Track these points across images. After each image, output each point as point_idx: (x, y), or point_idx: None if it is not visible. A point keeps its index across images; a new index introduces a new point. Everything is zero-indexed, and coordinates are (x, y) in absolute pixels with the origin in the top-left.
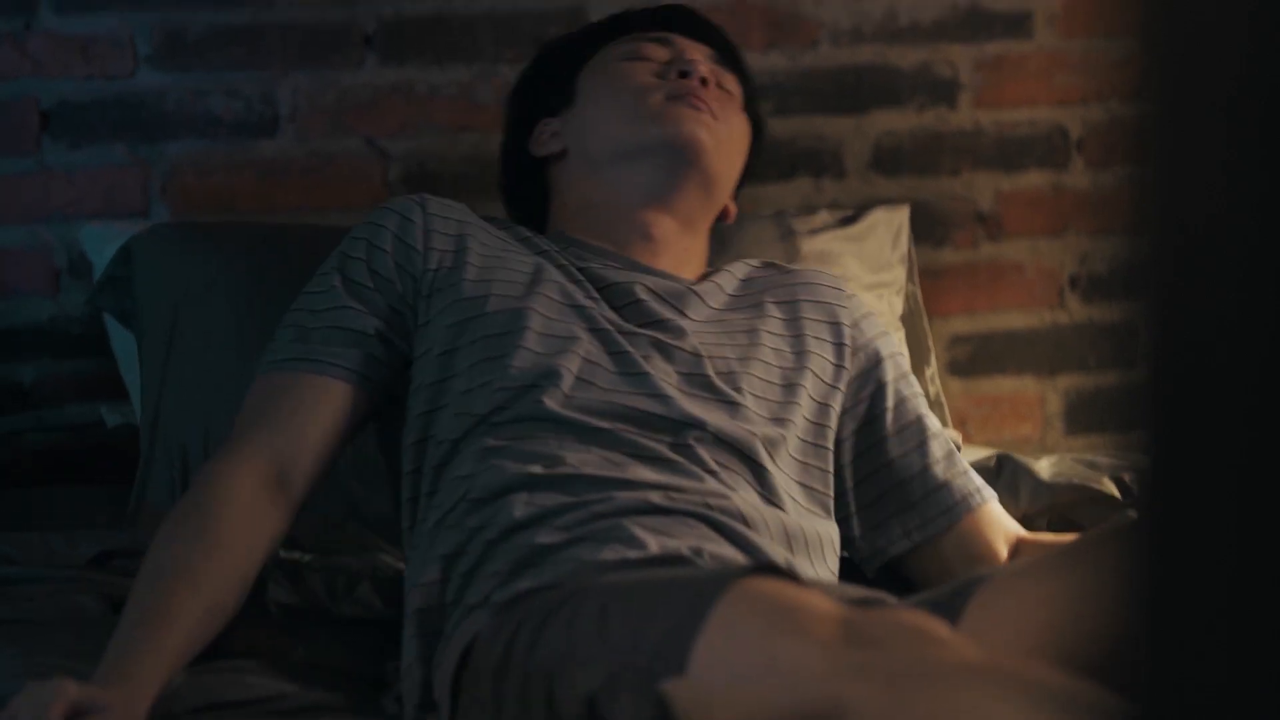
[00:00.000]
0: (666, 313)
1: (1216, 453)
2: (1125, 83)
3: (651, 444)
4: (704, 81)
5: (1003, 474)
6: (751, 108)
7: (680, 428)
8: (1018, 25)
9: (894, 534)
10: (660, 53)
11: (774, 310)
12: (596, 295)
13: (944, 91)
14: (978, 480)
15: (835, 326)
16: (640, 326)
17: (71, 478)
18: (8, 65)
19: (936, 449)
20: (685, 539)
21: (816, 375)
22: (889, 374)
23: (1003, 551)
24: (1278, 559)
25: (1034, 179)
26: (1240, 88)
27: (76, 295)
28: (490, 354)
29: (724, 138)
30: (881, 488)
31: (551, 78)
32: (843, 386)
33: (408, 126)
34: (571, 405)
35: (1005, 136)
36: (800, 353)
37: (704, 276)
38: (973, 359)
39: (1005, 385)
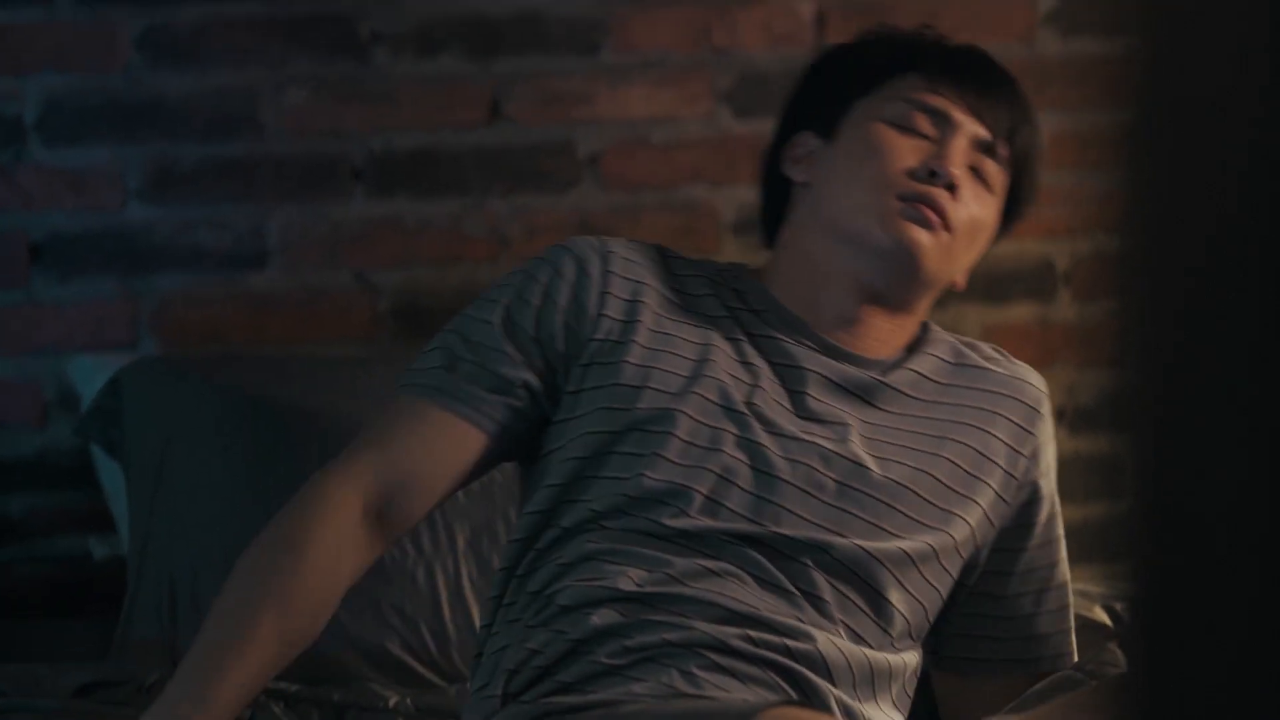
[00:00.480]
0: (841, 410)
1: (1205, 584)
2: (1111, 216)
3: (763, 566)
4: (952, 187)
5: None
6: (1020, 183)
7: (803, 549)
8: None
9: (976, 652)
10: (929, 128)
11: (969, 417)
12: (763, 385)
13: None
14: (1070, 644)
15: (1015, 455)
16: (805, 423)
17: (59, 610)
18: None
19: (1053, 600)
20: (744, 692)
21: (980, 506)
22: (1041, 515)
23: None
24: (1273, 691)
25: (1021, 311)
26: (1218, 232)
27: (65, 428)
28: (629, 451)
29: (954, 246)
30: (982, 610)
31: (831, 91)
32: (997, 522)
33: (398, 259)
34: (692, 526)
35: (992, 269)
36: (975, 479)
37: (903, 359)
38: None
39: None
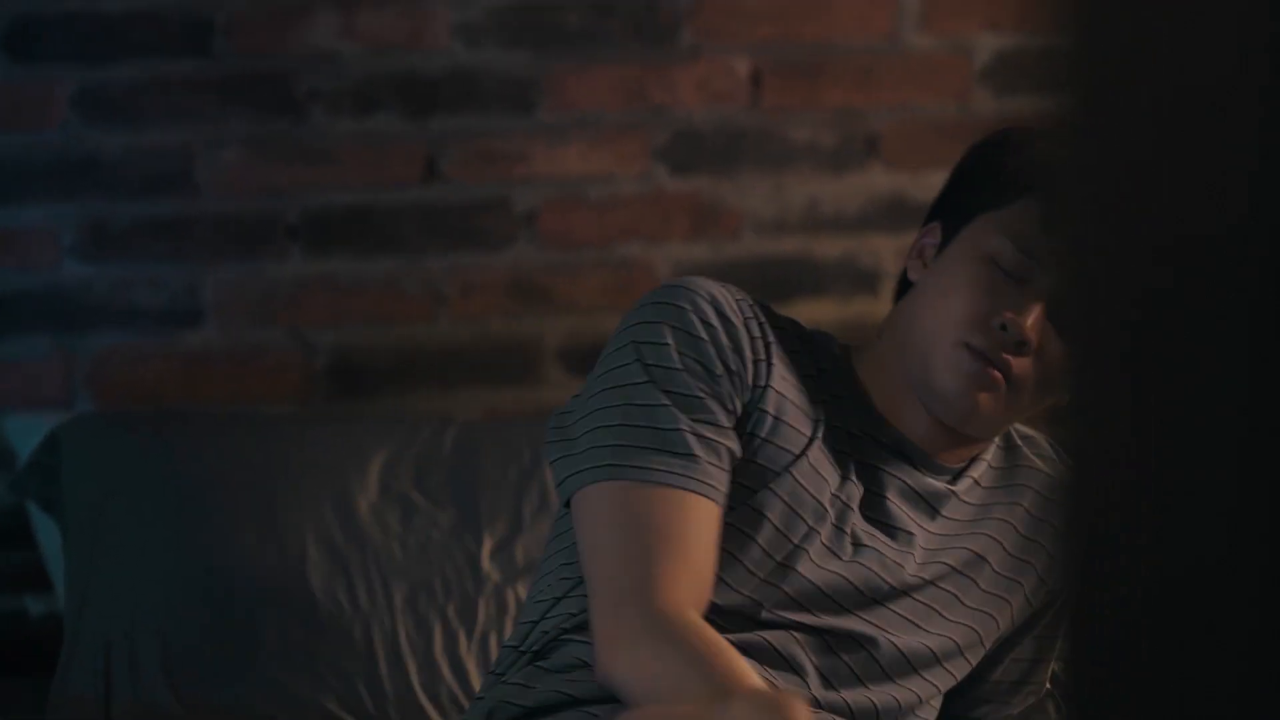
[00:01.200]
0: (909, 518)
1: (1155, 627)
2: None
3: (798, 653)
4: (1022, 345)
5: None
6: None
7: (847, 642)
8: None
9: (967, 707)
10: (1023, 269)
11: (1014, 518)
12: (848, 487)
13: (867, 281)
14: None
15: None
16: (872, 529)
17: None
18: None
19: (1029, 692)
20: None
21: (1011, 608)
22: (1049, 615)
23: None
24: None
25: None
26: (1147, 292)
27: (0, 487)
28: (728, 539)
29: (1019, 400)
30: (975, 678)
31: (965, 191)
32: (1019, 621)
33: (333, 318)
34: (736, 603)
35: None
36: (1012, 581)
37: (966, 466)
38: None
39: None
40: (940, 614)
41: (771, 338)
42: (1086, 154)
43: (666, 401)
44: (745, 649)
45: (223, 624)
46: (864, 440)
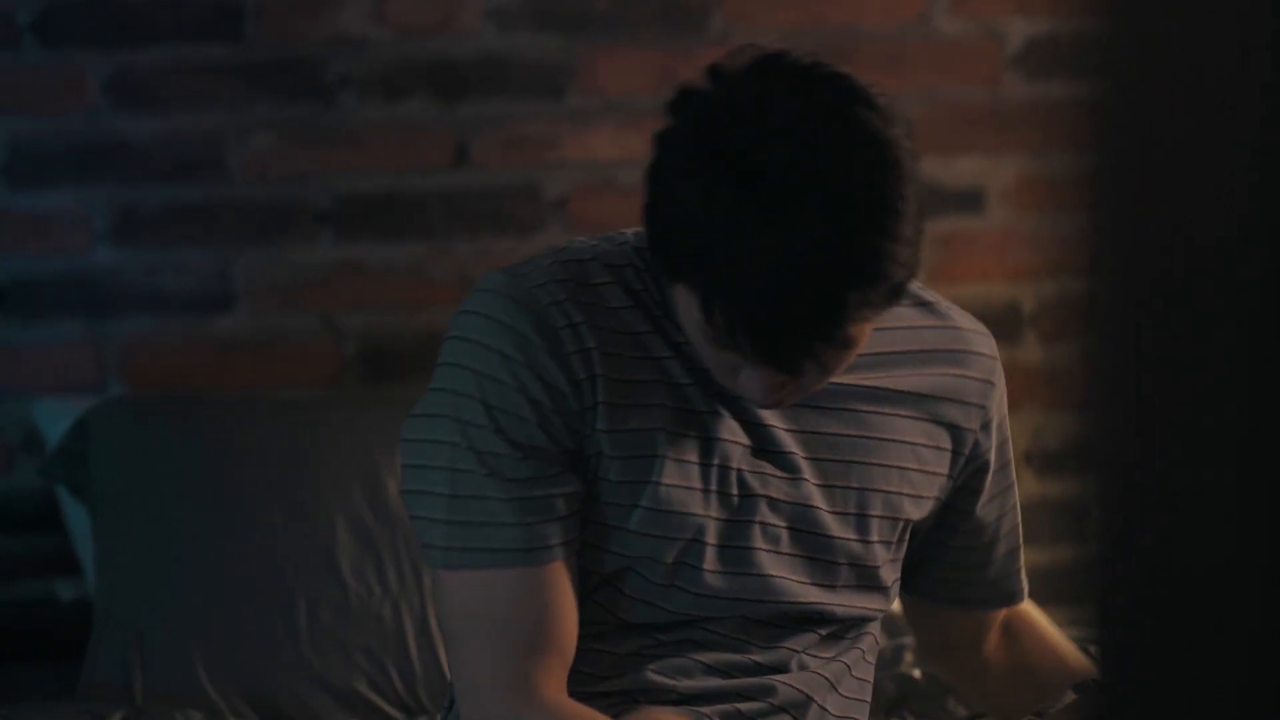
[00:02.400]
0: (784, 440)
1: (1171, 626)
2: (1078, 257)
3: (737, 641)
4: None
5: None
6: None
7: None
8: (971, 202)
9: (922, 587)
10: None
11: (910, 408)
12: (722, 435)
13: None
14: (1019, 585)
15: (963, 434)
16: (765, 468)
17: (25, 653)
18: None
19: (1001, 548)
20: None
21: (928, 499)
22: (987, 480)
23: (985, 646)
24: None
25: None
26: (1183, 274)
27: (30, 471)
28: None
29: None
30: (930, 553)
31: (654, 247)
32: (945, 496)
33: (362, 303)
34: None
35: None
36: (925, 473)
37: None
38: None
39: None
40: (844, 564)
41: (592, 343)
42: (1119, 142)
43: (487, 470)
44: (691, 641)
45: (252, 607)
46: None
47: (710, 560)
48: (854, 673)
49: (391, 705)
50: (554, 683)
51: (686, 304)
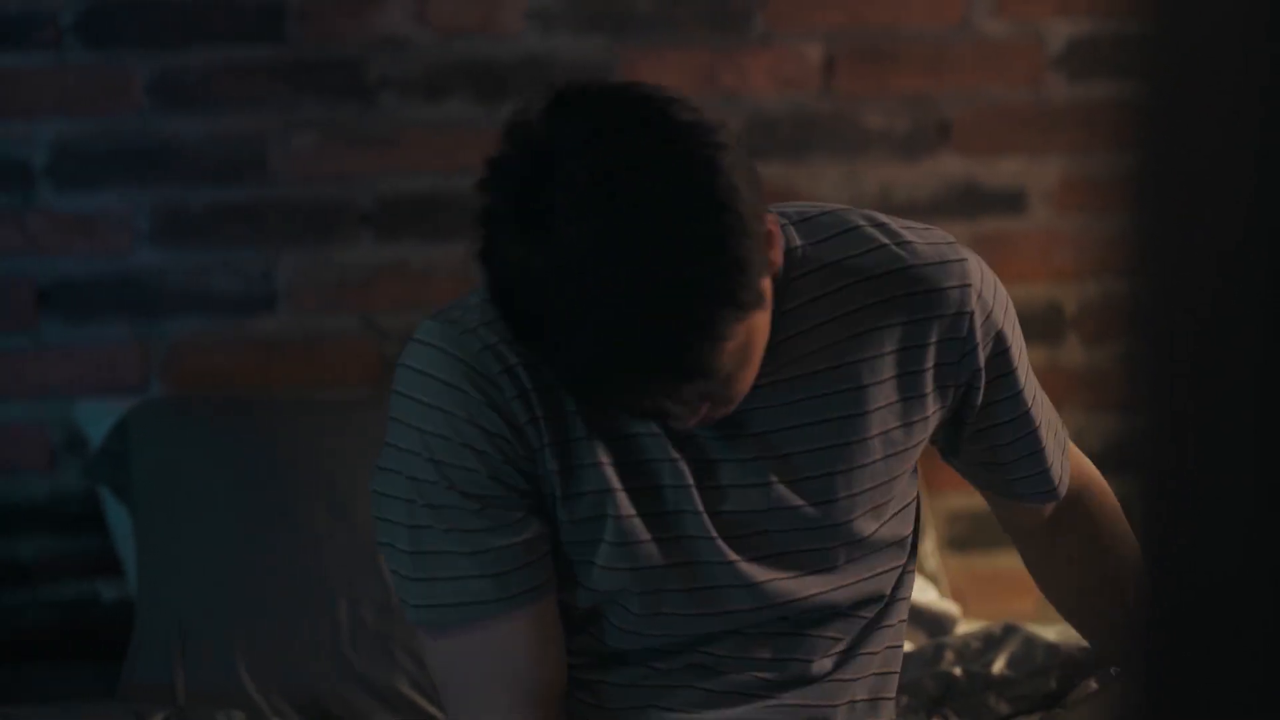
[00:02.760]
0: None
1: (1213, 625)
2: (1120, 258)
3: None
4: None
5: (1008, 640)
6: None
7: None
8: (1013, 202)
9: (959, 468)
10: None
11: (877, 372)
12: (672, 455)
13: None
14: (1046, 483)
15: (943, 370)
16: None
17: (67, 653)
18: (6, 242)
19: (1025, 445)
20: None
21: (917, 444)
22: (980, 393)
23: (1038, 533)
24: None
25: (1029, 355)
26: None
27: (73, 471)
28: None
29: (743, 390)
30: (946, 448)
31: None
32: (936, 423)
33: (404, 303)
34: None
35: None
36: (909, 425)
37: (787, 313)
38: (971, 535)
39: (1003, 561)
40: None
41: (530, 384)
42: (1161, 142)
43: (445, 525)
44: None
45: (294, 607)
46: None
47: (687, 581)
48: (879, 651)
49: (433, 704)
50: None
51: None
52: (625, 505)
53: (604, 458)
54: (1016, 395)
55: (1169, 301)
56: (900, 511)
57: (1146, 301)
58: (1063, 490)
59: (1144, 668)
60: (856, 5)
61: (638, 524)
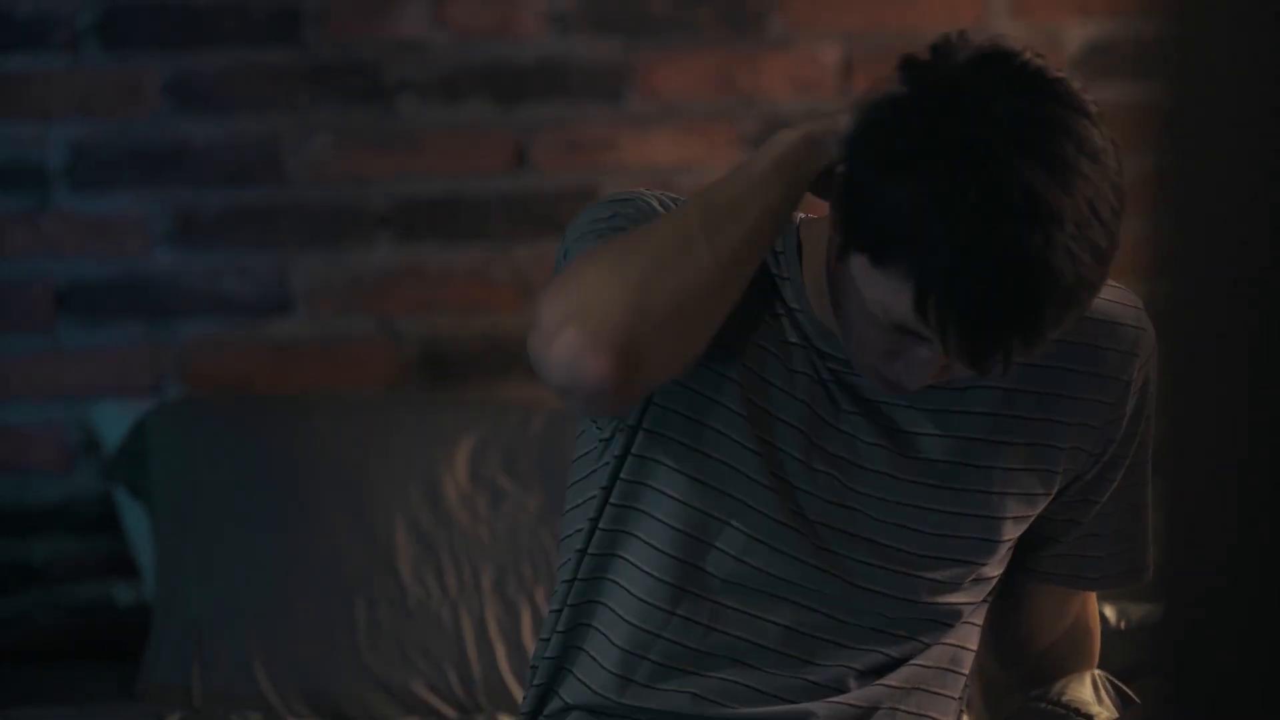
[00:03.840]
0: (905, 421)
1: (1232, 629)
2: (1139, 261)
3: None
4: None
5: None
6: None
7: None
8: None
9: (1021, 560)
10: (899, 335)
11: (1025, 406)
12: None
13: None
14: (1142, 561)
15: (1092, 433)
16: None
17: (83, 655)
18: (22, 245)
19: (1121, 523)
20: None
21: (1026, 505)
22: (1119, 473)
23: (1059, 627)
24: None
25: None
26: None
27: (89, 474)
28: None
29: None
30: (1047, 531)
31: (840, 212)
32: (1044, 506)
33: (421, 306)
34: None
35: None
36: (1046, 473)
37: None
38: None
39: None
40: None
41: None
42: (1180, 144)
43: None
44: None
45: (311, 609)
46: (812, 353)
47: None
48: (934, 674)
49: (449, 706)
50: None
51: (868, 281)
52: (739, 405)
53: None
54: (1136, 485)
55: (1191, 302)
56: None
57: (1169, 302)
58: (1148, 575)
59: (1173, 667)
60: (873, 7)
61: (741, 425)
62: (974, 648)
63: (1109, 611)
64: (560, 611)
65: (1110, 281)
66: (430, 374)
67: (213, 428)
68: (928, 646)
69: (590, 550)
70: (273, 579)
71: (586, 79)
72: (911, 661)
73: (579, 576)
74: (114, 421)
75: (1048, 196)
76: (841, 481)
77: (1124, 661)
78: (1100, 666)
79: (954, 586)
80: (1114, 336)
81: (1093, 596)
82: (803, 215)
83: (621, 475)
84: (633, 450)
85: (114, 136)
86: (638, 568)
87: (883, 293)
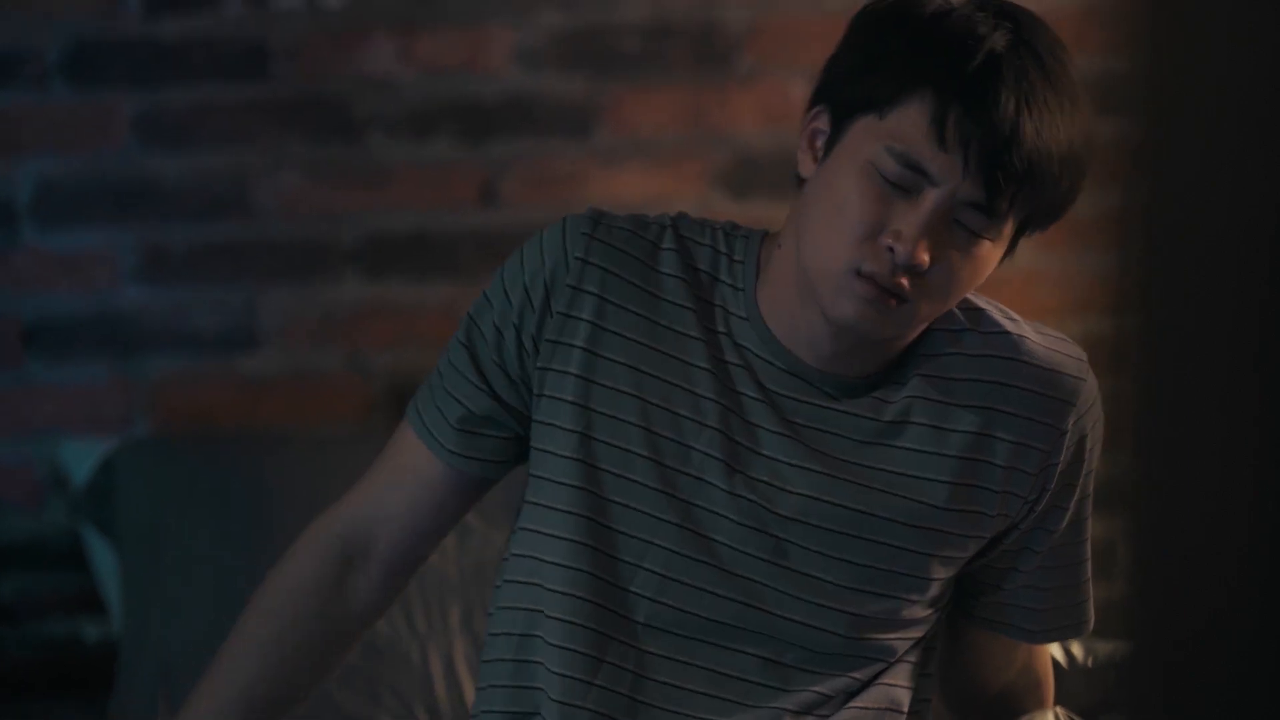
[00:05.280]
0: (788, 458)
1: (1197, 665)
2: (1107, 297)
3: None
4: (912, 267)
5: None
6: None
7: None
8: None
9: (977, 611)
10: (905, 179)
11: (957, 445)
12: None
13: None
14: (1081, 617)
15: (1027, 479)
16: (749, 481)
17: (51, 693)
18: None
19: (1060, 578)
20: None
21: (957, 546)
22: (1049, 541)
23: (1007, 673)
24: None
25: None
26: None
27: (57, 510)
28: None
29: (922, 308)
30: (986, 579)
31: (842, 86)
32: (977, 550)
33: (390, 341)
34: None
35: None
36: (978, 515)
37: (883, 372)
38: None
39: None
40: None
41: (618, 299)
42: (1148, 181)
43: (449, 348)
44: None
45: None
46: (750, 369)
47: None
48: (874, 715)
49: None
50: (344, 515)
51: (870, 140)
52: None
53: (628, 388)
54: (1078, 543)
55: (1155, 339)
56: (911, 624)
57: (1133, 339)
58: (1088, 629)
59: (1138, 703)
60: None
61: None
62: (913, 687)
63: (1075, 649)
64: (494, 664)
65: (1057, 334)
66: (399, 410)
67: (181, 464)
68: (864, 685)
69: (516, 606)
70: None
71: (555, 114)
72: (850, 704)
73: (510, 632)
74: (82, 458)
75: (1029, 38)
76: (765, 507)
77: (1089, 700)
78: (1065, 704)
79: (882, 623)
80: (1053, 384)
81: (1043, 649)
82: (767, 230)
83: (522, 525)
84: (526, 498)
85: (83, 172)
86: (558, 620)
87: (894, 135)
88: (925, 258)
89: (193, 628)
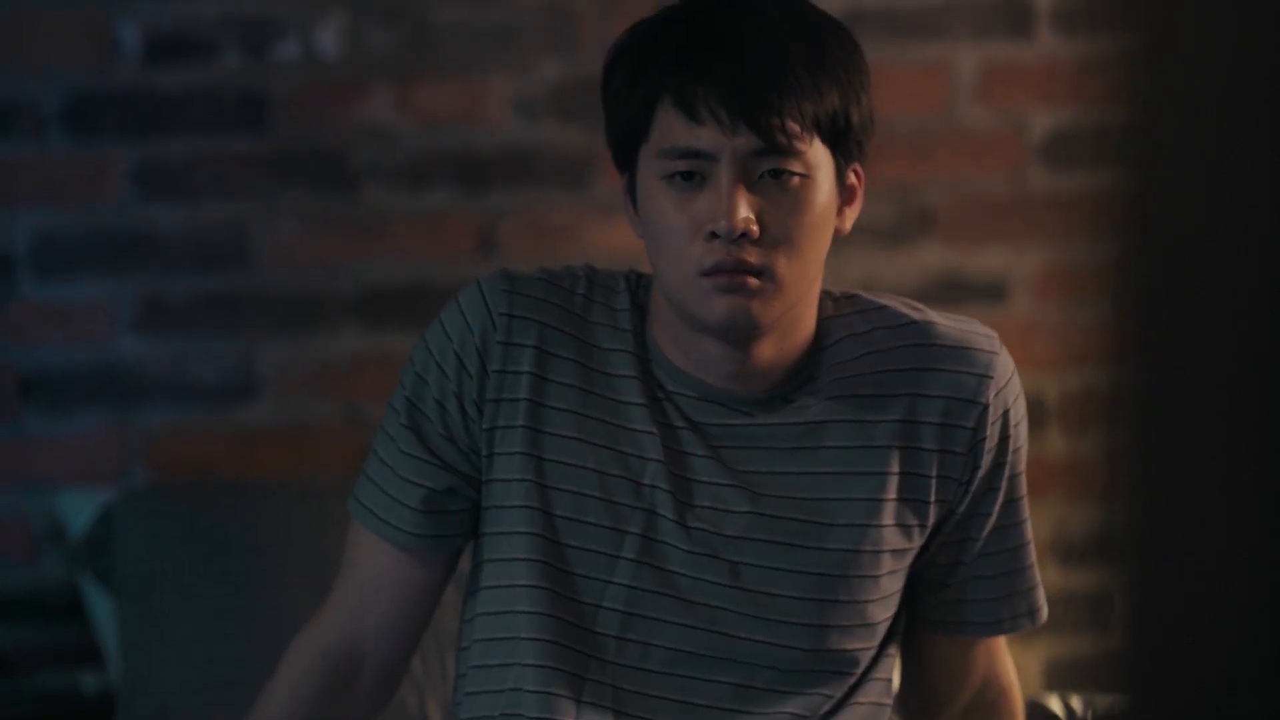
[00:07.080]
0: (728, 490)
1: (1194, 714)
2: (1102, 348)
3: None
4: (741, 236)
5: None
6: (847, 137)
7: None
8: (994, 292)
9: (930, 613)
10: (700, 169)
11: (884, 435)
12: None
13: None
14: (1031, 604)
15: (958, 460)
16: (696, 531)
17: None
18: None
19: (1005, 563)
20: None
21: (903, 538)
22: (996, 505)
23: (970, 682)
24: None
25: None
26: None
27: (54, 562)
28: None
29: (788, 275)
30: (933, 577)
31: (615, 138)
32: (922, 541)
33: (387, 393)
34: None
35: None
36: (918, 503)
37: (797, 384)
38: None
39: None
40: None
41: (525, 366)
42: (1143, 232)
43: (387, 436)
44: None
45: None
46: (673, 403)
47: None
48: None
49: None
50: (321, 632)
51: (656, 159)
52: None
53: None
54: (1014, 525)
55: (1151, 390)
56: (867, 629)
57: (1129, 391)
58: (1042, 617)
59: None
60: None
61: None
62: (890, 705)
63: (1074, 702)
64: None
65: (965, 317)
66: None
67: (178, 515)
68: (840, 704)
69: (488, 664)
70: (240, 666)
71: (553, 165)
72: None
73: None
74: (79, 509)
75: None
76: (714, 532)
77: None
78: None
79: (844, 631)
80: (968, 360)
81: (1003, 653)
82: (636, 272)
83: (485, 585)
84: (483, 558)
85: (80, 223)
86: (533, 666)
87: (661, 141)
88: (745, 218)
89: (190, 678)
